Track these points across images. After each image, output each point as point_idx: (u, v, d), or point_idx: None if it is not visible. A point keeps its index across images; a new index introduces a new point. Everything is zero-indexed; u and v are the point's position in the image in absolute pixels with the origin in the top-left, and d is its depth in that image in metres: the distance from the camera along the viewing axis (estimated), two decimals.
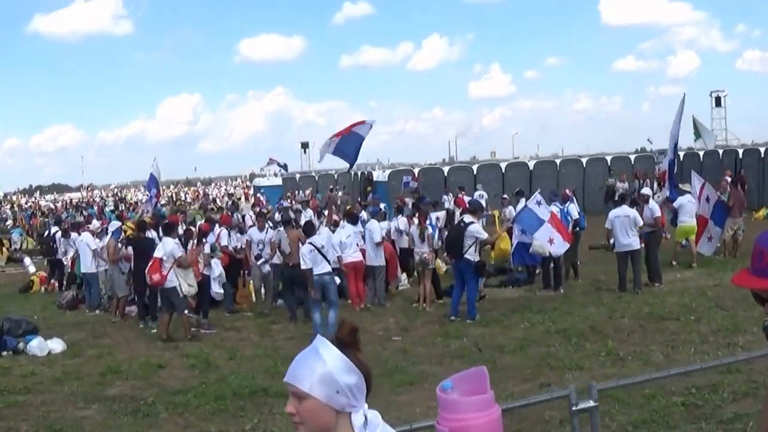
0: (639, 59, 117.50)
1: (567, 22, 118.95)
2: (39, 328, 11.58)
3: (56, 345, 10.56)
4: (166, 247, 10.19)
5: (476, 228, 10.19)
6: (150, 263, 10.05)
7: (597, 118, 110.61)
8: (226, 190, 53.76)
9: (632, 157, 27.07)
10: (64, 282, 16.10)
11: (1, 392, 8.65)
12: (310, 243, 9.77)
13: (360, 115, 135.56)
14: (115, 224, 13.45)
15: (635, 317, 10.09)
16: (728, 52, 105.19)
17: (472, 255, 10.16)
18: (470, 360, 8.57)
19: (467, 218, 10.40)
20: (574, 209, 12.83)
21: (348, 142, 12.58)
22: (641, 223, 11.53)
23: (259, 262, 11.97)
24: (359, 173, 25.92)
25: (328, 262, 9.80)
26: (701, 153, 22.80)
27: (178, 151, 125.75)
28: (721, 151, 22.51)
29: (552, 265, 12.14)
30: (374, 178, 25.14)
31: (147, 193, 20.11)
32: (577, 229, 12.79)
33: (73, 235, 14.72)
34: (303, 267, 9.72)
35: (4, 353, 10.42)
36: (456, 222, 11.11)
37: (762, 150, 22.14)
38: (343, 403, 1.70)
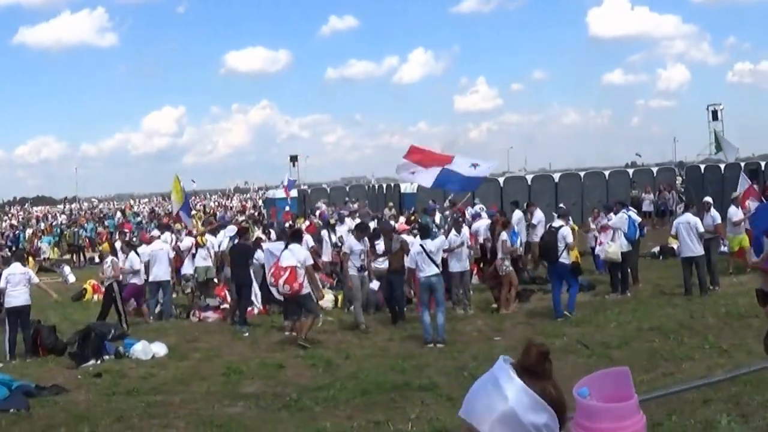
0: (628, 72, 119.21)
1: (554, 35, 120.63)
2: (127, 333, 11.91)
3: (160, 348, 10.84)
4: (299, 254, 10.49)
5: (566, 231, 10.85)
6: (287, 272, 10.20)
7: (585, 132, 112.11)
8: (221, 202, 53.96)
9: (654, 170, 28.05)
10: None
11: (130, 393, 8.96)
12: (421, 245, 10.27)
13: (344, 128, 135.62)
14: (232, 229, 13.79)
15: (716, 316, 10.71)
16: (718, 65, 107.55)
17: (565, 258, 10.78)
18: (583, 355, 9.12)
19: (557, 223, 11.04)
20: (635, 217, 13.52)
21: (457, 182, 12.33)
22: (702, 229, 12.20)
23: (363, 273, 12.02)
24: (378, 186, 26.30)
25: (436, 265, 10.28)
26: (722, 166, 23.77)
27: (161, 164, 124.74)
28: (742, 164, 23.52)
29: (620, 270, 12.77)
30: (402, 191, 25.68)
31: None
32: (638, 236, 13.45)
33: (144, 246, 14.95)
34: (410, 268, 10.20)
35: (106, 357, 10.69)
36: (547, 228, 11.61)
37: (763, 164, 23.43)
38: None
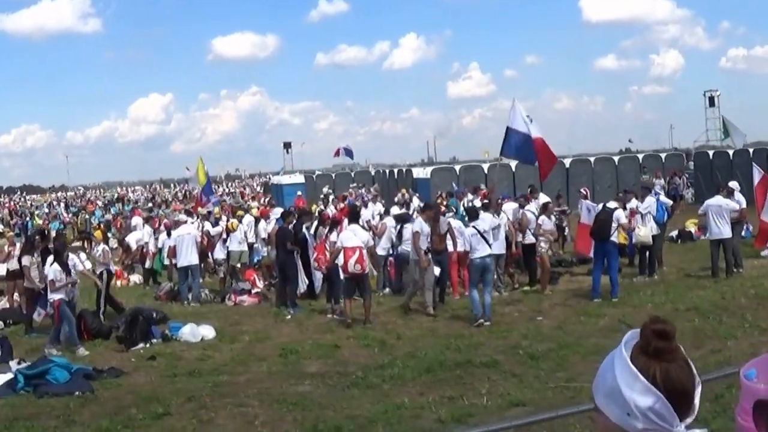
0: (621, 58, 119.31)
1: (547, 20, 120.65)
2: (169, 317, 12.06)
3: (208, 331, 11.00)
4: (362, 235, 10.68)
5: (621, 213, 11.16)
6: (356, 253, 10.32)
7: (578, 118, 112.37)
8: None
9: (663, 156, 28.48)
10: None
11: (192, 374, 9.15)
12: (474, 227, 10.50)
13: (335, 115, 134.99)
14: (278, 211, 13.92)
15: (747, 297, 11.05)
16: (712, 50, 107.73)
17: (615, 237, 11.10)
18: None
19: (611, 204, 11.37)
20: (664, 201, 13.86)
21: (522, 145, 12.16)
22: (737, 207, 12.54)
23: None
24: (389, 171, 26.45)
25: (489, 245, 10.51)
26: (731, 152, 24.18)
27: (149, 152, 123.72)
28: (751, 150, 23.95)
29: (648, 253, 13.09)
30: (414, 176, 25.88)
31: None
32: (666, 219, 13.76)
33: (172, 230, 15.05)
34: (460, 249, 10.42)
35: (154, 340, 10.83)
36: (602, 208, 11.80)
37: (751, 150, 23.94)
38: (637, 428, 1.38)
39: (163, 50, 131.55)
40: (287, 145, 61.41)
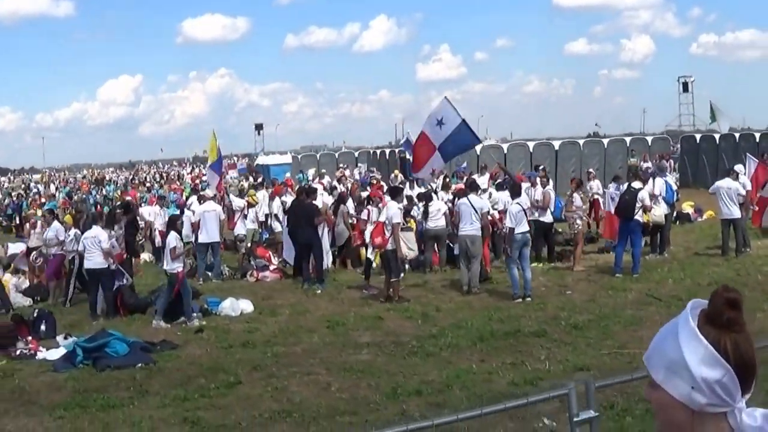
0: (591, 42, 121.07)
1: (518, 3, 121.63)
2: (200, 293, 12.20)
3: (247, 305, 11.21)
4: (389, 211, 10.96)
5: (645, 193, 11.66)
6: (374, 226, 10.71)
7: (548, 101, 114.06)
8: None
9: (649, 139, 29.31)
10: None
11: (246, 345, 9.38)
12: (518, 204, 10.88)
13: (304, 97, 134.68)
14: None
15: (762, 274, 11.67)
16: (683, 36, 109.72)
17: (640, 216, 11.59)
18: (662, 306, 9.93)
19: (636, 184, 11.86)
20: (672, 181, 14.45)
21: (447, 147, 12.15)
22: (743, 193, 13.17)
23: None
24: (380, 152, 26.76)
25: (529, 222, 10.90)
26: (717, 136, 25.06)
27: (119, 134, 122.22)
28: (737, 135, 24.83)
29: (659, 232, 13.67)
30: (407, 157, 26.09)
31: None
32: (676, 200, 14.36)
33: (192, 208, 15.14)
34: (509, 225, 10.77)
35: (194, 315, 10.98)
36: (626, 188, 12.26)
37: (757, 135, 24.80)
38: (701, 403, 1.32)
39: (133, 32, 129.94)
40: (259, 127, 61.16)
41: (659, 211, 13.13)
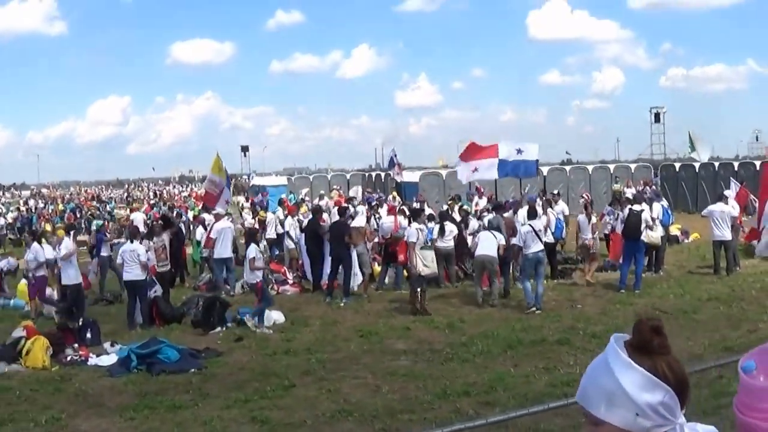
0: (564, 74, 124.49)
1: (495, 35, 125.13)
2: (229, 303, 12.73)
3: (278, 316, 11.79)
4: (408, 230, 11.72)
5: (647, 215, 12.61)
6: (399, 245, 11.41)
7: (522, 129, 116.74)
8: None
9: (632, 166, 30.60)
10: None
11: (288, 353, 9.97)
12: (530, 225, 11.70)
13: (287, 120, 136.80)
14: (363, 208, 14.78)
15: (755, 289, 12.61)
16: (653, 69, 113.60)
17: (645, 237, 12.52)
18: (668, 318, 10.74)
19: (637, 207, 12.79)
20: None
21: (515, 167, 14.12)
22: (736, 214, 14.21)
23: None
24: (375, 174, 27.53)
25: (542, 242, 11.74)
26: (697, 165, 26.39)
27: (106, 153, 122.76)
28: (716, 164, 26.21)
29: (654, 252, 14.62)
30: (402, 180, 26.96)
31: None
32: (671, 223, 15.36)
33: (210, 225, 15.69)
34: (515, 243, 11.60)
35: (229, 325, 11.55)
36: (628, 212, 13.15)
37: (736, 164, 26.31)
38: (645, 426, 1.36)
39: (123, 53, 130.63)
40: (245, 149, 61.97)
41: (656, 233, 14.08)
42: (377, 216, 16.37)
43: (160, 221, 13.89)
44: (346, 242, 12.91)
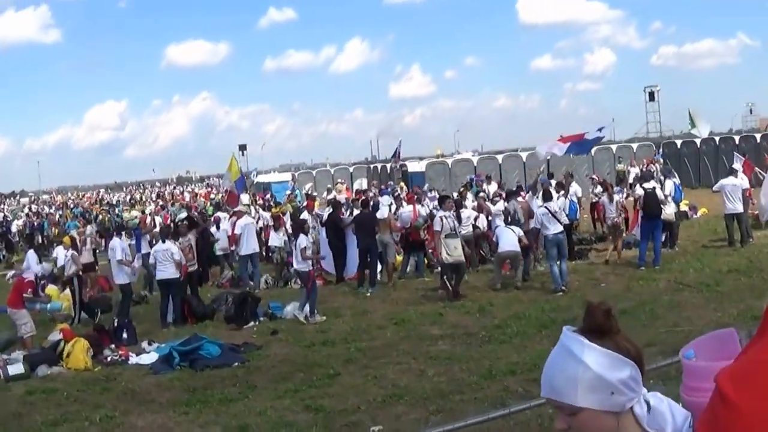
0: (556, 57, 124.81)
1: (485, 22, 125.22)
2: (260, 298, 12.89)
3: (308, 309, 11.93)
4: (437, 223, 11.93)
5: (659, 192, 12.87)
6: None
7: (516, 115, 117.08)
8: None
9: (634, 146, 30.85)
10: None
11: (325, 343, 10.14)
12: (545, 207, 11.90)
13: (282, 117, 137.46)
14: (387, 200, 14.94)
15: None
16: (644, 48, 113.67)
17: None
18: (694, 291, 11.01)
19: (648, 185, 13.05)
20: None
21: (581, 145, 14.51)
22: (747, 186, 14.47)
23: None
24: (381, 166, 27.70)
25: (561, 223, 11.94)
26: (698, 141, 26.68)
27: (104, 157, 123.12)
28: (717, 138, 26.53)
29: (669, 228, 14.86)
30: (409, 170, 27.20)
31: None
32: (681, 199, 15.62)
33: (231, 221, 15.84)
34: (534, 227, 11.82)
35: (261, 319, 11.72)
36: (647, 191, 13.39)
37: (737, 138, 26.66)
38: (622, 401, 1.44)
39: (119, 58, 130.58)
40: (242, 148, 62.33)
41: (670, 210, 14.32)
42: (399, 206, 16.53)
43: (185, 221, 13.97)
44: (374, 233, 13.08)
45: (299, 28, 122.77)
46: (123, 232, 13.97)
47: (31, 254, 14.01)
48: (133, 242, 15.54)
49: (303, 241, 11.57)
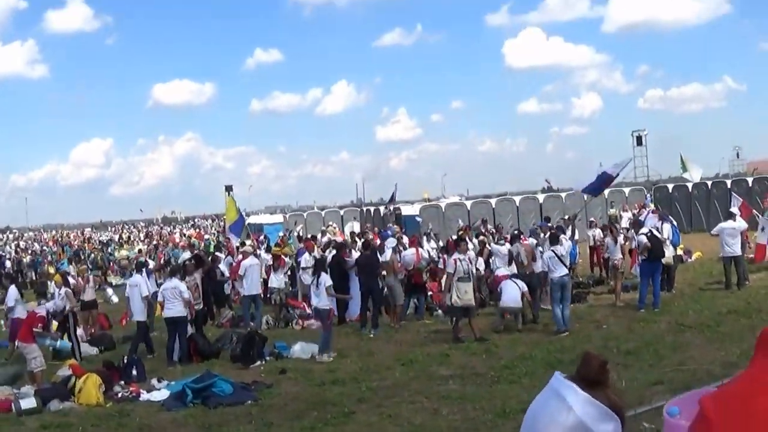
0: (543, 101, 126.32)
1: (472, 66, 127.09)
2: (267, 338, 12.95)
3: (316, 348, 12.02)
4: (450, 265, 12.15)
5: (660, 234, 13.23)
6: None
7: (502, 159, 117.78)
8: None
9: (626, 190, 31.41)
10: None
11: (336, 383, 10.21)
12: (552, 251, 12.16)
13: (268, 159, 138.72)
14: (392, 242, 15.09)
15: None
16: (630, 92, 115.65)
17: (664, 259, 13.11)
18: (694, 332, 11.23)
19: (644, 230, 13.37)
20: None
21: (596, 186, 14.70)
22: (745, 227, 14.89)
23: None
24: (374, 209, 28.01)
25: (566, 267, 12.21)
26: (689, 185, 27.26)
27: (89, 195, 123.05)
28: (709, 183, 27.16)
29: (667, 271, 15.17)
30: (402, 213, 27.49)
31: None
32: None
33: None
34: (539, 270, 12.07)
35: (268, 358, 11.78)
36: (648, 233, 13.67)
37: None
38: None
39: (105, 96, 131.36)
40: (229, 188, 62.56)
41: (668, 253, 14.64)
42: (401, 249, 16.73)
43: (192, 260, 14.11)
44: (376, 275, 13.27)
45: (285, 69, 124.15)
46: (144, 269, 14.00)
47: (12, 290, 13.89)
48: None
49: (326, 279, 11.72)
